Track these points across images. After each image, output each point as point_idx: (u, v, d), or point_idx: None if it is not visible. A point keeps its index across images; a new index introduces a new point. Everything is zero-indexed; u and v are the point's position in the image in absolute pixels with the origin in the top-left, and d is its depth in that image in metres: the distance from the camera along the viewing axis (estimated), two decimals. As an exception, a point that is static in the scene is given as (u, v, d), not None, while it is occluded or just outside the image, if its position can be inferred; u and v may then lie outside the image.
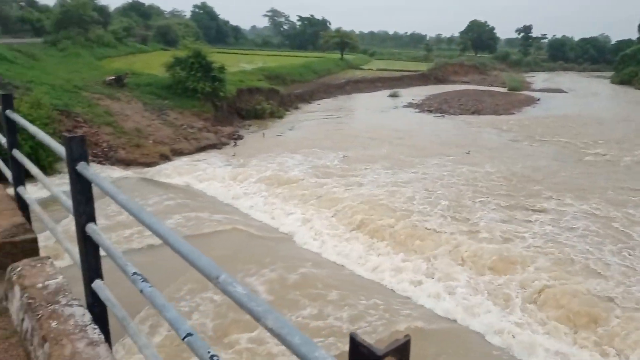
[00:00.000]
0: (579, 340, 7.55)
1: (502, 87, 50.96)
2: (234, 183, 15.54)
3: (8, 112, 3.91)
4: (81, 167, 2.42)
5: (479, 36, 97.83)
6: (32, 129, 3.40)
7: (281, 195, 14.22)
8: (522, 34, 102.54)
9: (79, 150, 2.44)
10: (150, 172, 16.70)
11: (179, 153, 19.15)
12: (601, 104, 40.38)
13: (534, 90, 50.05)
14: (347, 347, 1.13)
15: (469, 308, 8.42)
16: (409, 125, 27.60)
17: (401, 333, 7.65)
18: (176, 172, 16.71)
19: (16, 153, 4.00)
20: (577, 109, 35.49)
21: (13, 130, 4.02)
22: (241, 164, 17.57)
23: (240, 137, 22.53)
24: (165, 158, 18.29)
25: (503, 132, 25.81)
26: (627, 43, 79.22)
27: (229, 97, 25.82)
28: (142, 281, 2.10)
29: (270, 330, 1.30)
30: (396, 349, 1.07)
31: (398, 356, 1.07)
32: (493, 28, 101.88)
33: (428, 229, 11.43)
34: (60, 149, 2.70)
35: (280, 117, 28.34)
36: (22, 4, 51.18)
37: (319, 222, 12.24)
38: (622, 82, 59.62)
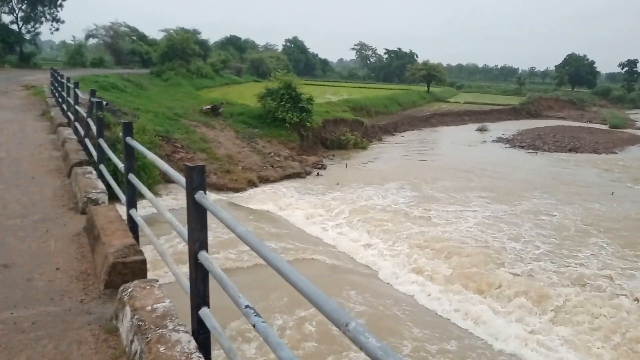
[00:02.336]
0: None
1: (602, 124, 47.64)
2: (317, 212, 15.64)
3: (128, 139, 4.19)
4: (199, 196, 2.48)
5: (576, 70, 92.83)
6: (151, 156, 3.60)
7: (366, 226, 14.06)
8: (625, 69, 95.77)
9: (199, 179, 2.51)
10: (238, 197, 17.31)
11: (265, 180, 19.71)
12: None
13: (639, 128, 46.22)
14: None
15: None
16: (500, 160, 26.50)
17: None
18: (262, 198, 17.17)
19: (132, 177, 4.25)
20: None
21: (131, 156, 4.30)
22: (325, 193, 17.70)
23: (324, 167, 22.80)
24: (252, 184, 18.89)
25: (604, 172, 23.95)
26: None
27: (314, 127, 26.36)
28: (255, 315, 2.07)
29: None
30: None
31: None
32: (593, 62, 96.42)
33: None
34: (179, 177, 2.81)
35: (364, 148, 28.40)
36: (134, 37, 56.45)
37: (410, 259, 11.90)
38: None
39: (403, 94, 50.56)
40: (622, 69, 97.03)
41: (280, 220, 15.04)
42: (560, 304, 9.54)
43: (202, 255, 2.57)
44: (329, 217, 15.19)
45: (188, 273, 2.74)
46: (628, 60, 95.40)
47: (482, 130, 39.00)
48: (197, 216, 2.55)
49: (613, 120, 48.34)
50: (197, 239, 2.59)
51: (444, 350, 7.92)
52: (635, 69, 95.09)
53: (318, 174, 21.36)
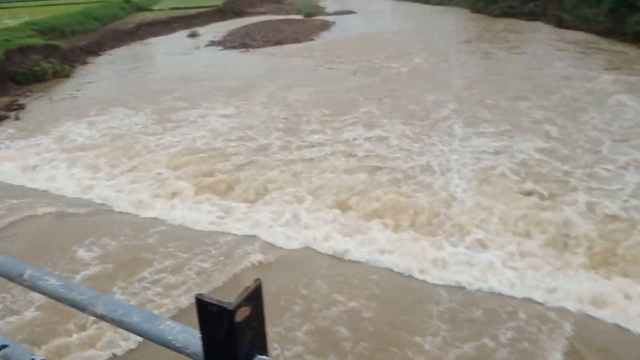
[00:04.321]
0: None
1: (299, 14, 52.12)
2: (31, 160, 13.47)
3: None
4: None
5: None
6: None
7: (87, 161, 12.83)
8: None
9: None
10: None
11: (-54, 137, 15.76)
12: (386, 21, 44.13)
13: (327, 14, 52.20)
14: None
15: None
16: (218, 63, 26.90)
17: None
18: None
19: None
20: (367, 28, 38.30)
21: None
22: (34, 136, 15.26)
23: (22, 107, 19.31)
24: None
25: (305, 59, 26.74)
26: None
27: (-4, 61, 21.68)
28: None
29: (102, 317, 1.13)
30: (248, 297, 1.00)
31: (251, 304, 1.00)
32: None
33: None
34: None
35: (67, 75, 24.95)
36: None
37: (143, 181, 11.47)
38: (398, -2, 65.90)
39: (99, 6, 45.06)
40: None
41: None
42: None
43: None
44: (48, 162, 13.27)
45: None
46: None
47: (193, 36, 38.31)
48: None
49: (306, 9, 53.29)
50: None
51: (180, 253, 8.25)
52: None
53: (17, 117, 18.02)
